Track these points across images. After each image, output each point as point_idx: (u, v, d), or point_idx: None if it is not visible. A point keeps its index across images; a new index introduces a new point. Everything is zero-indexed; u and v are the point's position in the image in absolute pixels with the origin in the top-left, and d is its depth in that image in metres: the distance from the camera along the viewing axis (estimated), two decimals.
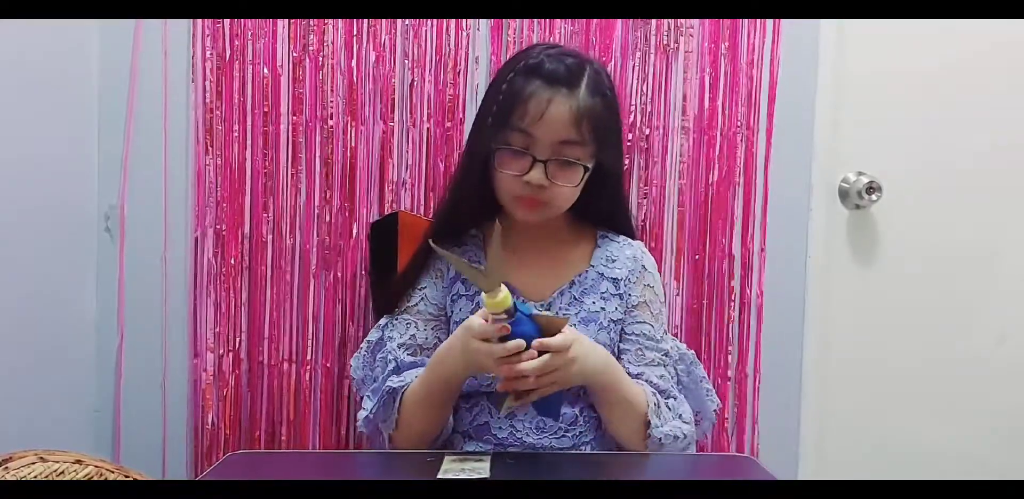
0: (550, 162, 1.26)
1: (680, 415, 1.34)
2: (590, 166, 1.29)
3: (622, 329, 1.37)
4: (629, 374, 1.34)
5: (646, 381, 1.34)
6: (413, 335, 1.38)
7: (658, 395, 1.33)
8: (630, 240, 1.44)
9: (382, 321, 1.44)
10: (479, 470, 1.10)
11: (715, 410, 1.45)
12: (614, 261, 1.40)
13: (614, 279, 1.38)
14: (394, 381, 1.33)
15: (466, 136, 1.60)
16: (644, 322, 1.37)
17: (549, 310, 1.36)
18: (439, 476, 1.08)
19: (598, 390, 1.28)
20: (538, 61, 1.27)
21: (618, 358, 1.36)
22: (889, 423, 1.97)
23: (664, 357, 1.37)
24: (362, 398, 1.44)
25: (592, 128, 1.26)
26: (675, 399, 1.35)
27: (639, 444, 1.31)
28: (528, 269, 1.38)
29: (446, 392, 1.29)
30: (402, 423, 1.32)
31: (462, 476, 1.08)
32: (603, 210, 1.41)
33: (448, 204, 1.41)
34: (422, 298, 1.39)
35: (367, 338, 1.46)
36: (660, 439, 1.29)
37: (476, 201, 1.34)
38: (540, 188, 1.27)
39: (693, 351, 1.47)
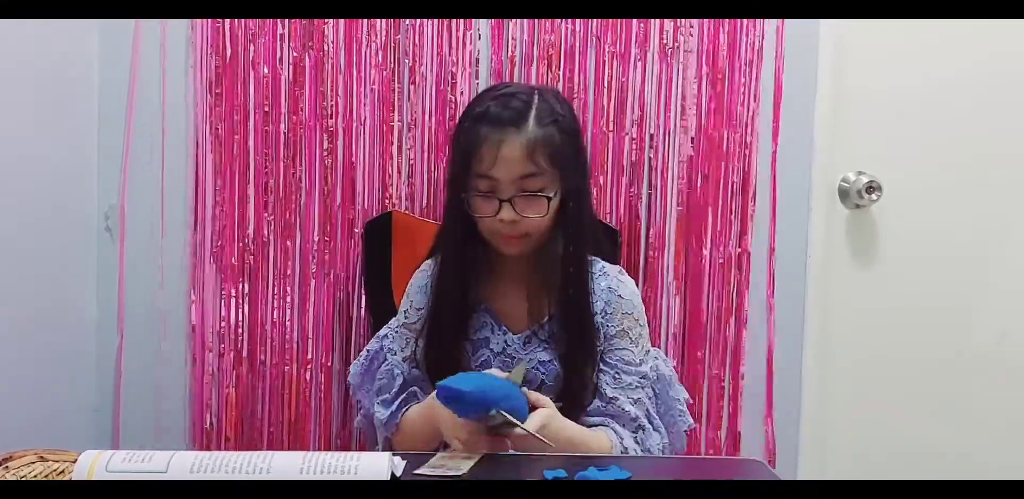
0: (515, 198, 1.31)
1: (648, 450, 1.37)
2: (552, 195, 1.32)
3: (602, 355, 1.39)
4: (606, 398, 1.37)
5: (619, 409, 1.37)
6: (415, 350, 1.42)
7: (623, 435, 1.35)
8: (607, 267, 1.44)
9: (382, 331, 1.48)
10: (460, 467, 1.10)
11: (686, 430, 1.45)
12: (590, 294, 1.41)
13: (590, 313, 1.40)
14: (382, 412, 1.39)
15: None
16: (624, 349, 1.40)
17: (531, 342, 1.39)
18: (415, 471, 1.07)
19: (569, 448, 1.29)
20: (484, 109, 1.33)
21: (596, 379, 1.39)
22: (889, 423, 1.97)
23: (641, 380, 1.40)
24: (357, 401, 1.51)
25: (547, 156, 1.31)
26: (644, 431, 1.38)
27: None
28: (511, 300, 1.41)
29: (430, 442, 1.33)
30: (396, 442, 1.39)
31: (437, 473, 1.08)
32: (570, 233, 1.39)
33: (446, 251, 1.41)
34: (420, 318, 1.42)
35: (367, 347, 1.49)
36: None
37: (467, 243, 1.38)
38: (513, 224, 1.32)
39: (674, 371, 1.47)
